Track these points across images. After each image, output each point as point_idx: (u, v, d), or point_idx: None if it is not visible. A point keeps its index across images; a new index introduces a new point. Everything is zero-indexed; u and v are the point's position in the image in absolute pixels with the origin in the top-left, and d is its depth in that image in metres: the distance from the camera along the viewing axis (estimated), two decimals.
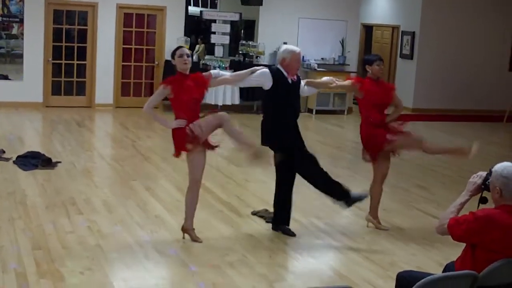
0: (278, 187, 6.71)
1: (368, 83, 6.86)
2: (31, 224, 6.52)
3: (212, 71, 6.57)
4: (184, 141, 6.03)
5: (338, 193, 6.54)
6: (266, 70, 6.50)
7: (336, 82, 6.84)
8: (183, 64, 6.12)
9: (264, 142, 6.60)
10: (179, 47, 6.29)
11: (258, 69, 6.53)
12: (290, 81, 6.48)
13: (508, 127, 15.84)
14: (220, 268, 5.66)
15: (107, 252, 5.87)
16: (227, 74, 6.74)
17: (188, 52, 6.23)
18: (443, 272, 4.29)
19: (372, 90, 6.81)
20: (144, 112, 6.19)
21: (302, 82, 6.72)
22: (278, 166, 6.59)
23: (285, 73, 6.45)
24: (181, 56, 6.11)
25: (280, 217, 6.72)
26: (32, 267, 5.41)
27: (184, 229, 6.35)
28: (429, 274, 3.88)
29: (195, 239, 6.28)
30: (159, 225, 6.71)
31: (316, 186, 6.62)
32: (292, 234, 6.64)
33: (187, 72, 6.16)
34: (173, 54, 6.18)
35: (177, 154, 6.21)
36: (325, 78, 6.98)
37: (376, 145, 6.81)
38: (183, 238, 6.34)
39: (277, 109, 6.46)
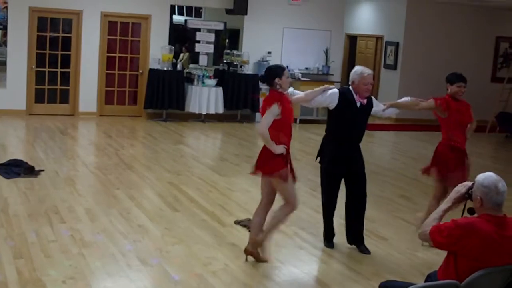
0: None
1: (452, 103, 6.81)
2: (13, 232, 6.48)
3: (288, 90, 6.27)
4: (273, 169, 5.86)
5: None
6: (336, 90, 6.44)
7: (421, 103, 6.85)
8: (288, 84, 6.01)
9: (319, 156, 6.62)
10: (284, 67, 6.04)
11: (330, 88, 6.45)
12: (358, 104, 6.39)
13: (491, 137, 15.99)
14: (203, 277, 5.65)
15: (90, 261, 5.84)
16: (300, 93, 6.56)
17: None
18: (425, 281, 4.31)
19: (457, 109, 6.80)
20: (261, 134, 5.83)
21: (381, 105, 6.66)
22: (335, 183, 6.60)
23: (355, 95, 6.39)
24: (288, 77, 5.99)
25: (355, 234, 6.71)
26: (14, 276, 5.37)
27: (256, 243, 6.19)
28: (412, 284, 3.91)
29: (262, 259, 6.17)
30: (142, 234, 6.69)
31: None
32: (367, 252, 6.61)
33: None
34: (279, 74, 5.87)
35: (255, 174, 6.06)
36: (407, 99, 6.93)
37: (449, 167, 6.80)
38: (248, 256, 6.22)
39: (338, 130, 6.46)
